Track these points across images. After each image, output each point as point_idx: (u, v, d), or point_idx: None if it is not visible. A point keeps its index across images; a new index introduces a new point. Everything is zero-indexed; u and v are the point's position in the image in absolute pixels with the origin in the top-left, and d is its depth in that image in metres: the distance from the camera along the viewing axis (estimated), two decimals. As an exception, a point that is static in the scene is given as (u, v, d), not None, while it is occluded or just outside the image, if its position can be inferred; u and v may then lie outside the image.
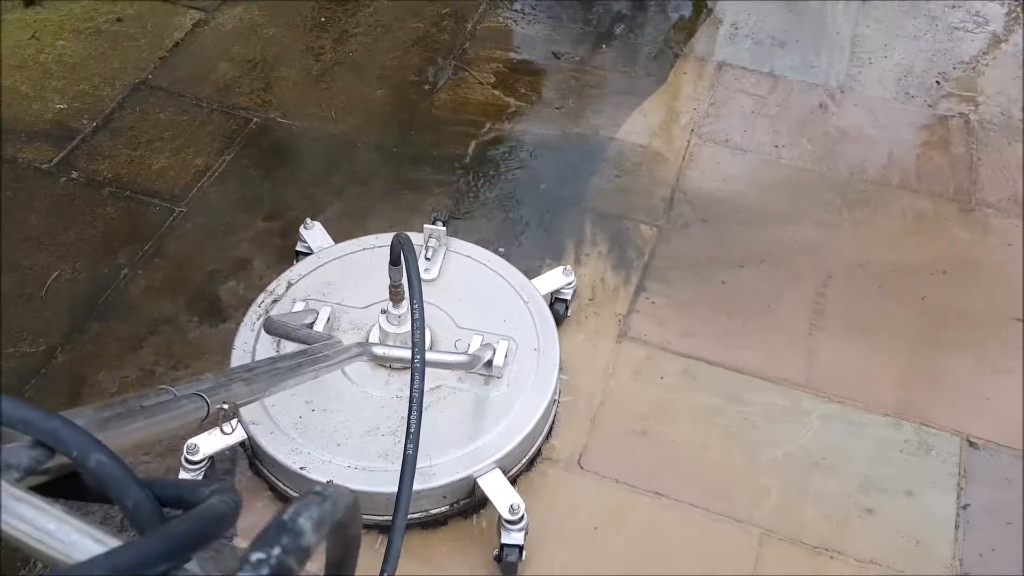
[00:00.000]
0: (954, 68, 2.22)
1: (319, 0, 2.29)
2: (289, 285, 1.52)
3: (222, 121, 1.99)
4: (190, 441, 1.30)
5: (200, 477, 1.31)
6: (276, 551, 0.37)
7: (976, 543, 1.37)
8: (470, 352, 1.36)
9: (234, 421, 0.77)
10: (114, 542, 0.45)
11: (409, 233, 1.31)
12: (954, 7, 2.39)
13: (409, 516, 1.33)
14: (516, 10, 2.30)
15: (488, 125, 2.00)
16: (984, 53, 2.29)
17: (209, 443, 1.31)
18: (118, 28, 2.20)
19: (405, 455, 1.04)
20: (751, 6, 2.34)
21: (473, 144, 1.96)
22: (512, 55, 2.18)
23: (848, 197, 1.89)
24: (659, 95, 2.09)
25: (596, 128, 2.00)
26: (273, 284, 1.53)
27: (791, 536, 1.37)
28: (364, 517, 1.33)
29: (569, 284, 1.57)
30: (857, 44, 2.26)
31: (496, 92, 2.08)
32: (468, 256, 1.58)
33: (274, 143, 1.96)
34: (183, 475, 1.29)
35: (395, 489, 1.22)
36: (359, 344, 1.18)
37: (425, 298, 1.47)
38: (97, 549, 0.45)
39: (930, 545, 1.37)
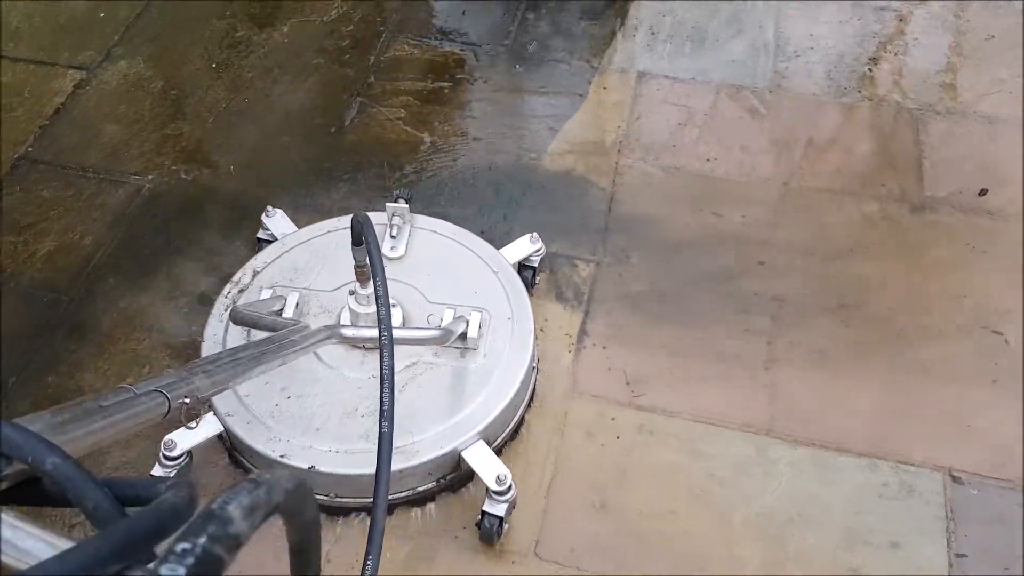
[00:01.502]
0: (885, 51, 2.07)
1: (208, 45, 2.12)
2: (255, 273, 1.50)
3: (111, 191, 1.80)
4: (166, 437, 1.29)
5: (174, 473, 1.30)
6: (202, 540, 0.36)
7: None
8: (442, 326, 1.35)
9: (199, 416, 0.76)
10: (68, 544, 0.44)
11: (371, 213, 1.30)
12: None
13: (396, 495, 1.34)
14: (421, 36, 2.14)
15: (403, 166, 1.84)
16: (915, 30, 2.14)
17: (186, 438, 1.29)
18: (-10, 100, 1.98)
19: (381, 433, 1.03)
20: (666, 6, 2.19)
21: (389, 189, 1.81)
22: (421, 85, 2.01)
23: (790, 209, 1.75)
24: (581, 114, 1.94)
25: (518, 156, 1.85)
26: (238, 274, 1.50)
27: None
28: (352, 499, 1.34)
29: (537, 251, 1.56)
30: (781, 37, 2.11)
31: (409, 128, 1.91)
32: (434, 231, 1.56)
33: (169, 209, 1.78)
34: (160, 472, 1.27)
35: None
36: (327, 327, 1.17)
37: (394, 276, 1.47)
38: (50, 553, 0.44)
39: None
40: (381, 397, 1.05)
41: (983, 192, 1.76)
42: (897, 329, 1.56)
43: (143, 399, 0.70)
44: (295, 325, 1.15)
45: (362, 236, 1.18)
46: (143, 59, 2.10)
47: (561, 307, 1.60)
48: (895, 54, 2.07)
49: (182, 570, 0.35)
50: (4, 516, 0.46)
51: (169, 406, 0.73)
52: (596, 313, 1.59)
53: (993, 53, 2.06)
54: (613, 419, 1.44)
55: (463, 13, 2.19)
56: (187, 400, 0.74)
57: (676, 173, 1.82)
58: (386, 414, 1.04)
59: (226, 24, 2.19)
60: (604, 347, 1.54)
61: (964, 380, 1.48)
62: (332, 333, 1.15)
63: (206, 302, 1.57)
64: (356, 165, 1.86)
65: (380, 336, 1.07)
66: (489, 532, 1.27)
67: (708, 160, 1.84)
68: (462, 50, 2.11)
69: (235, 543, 0.37)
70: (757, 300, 1.60)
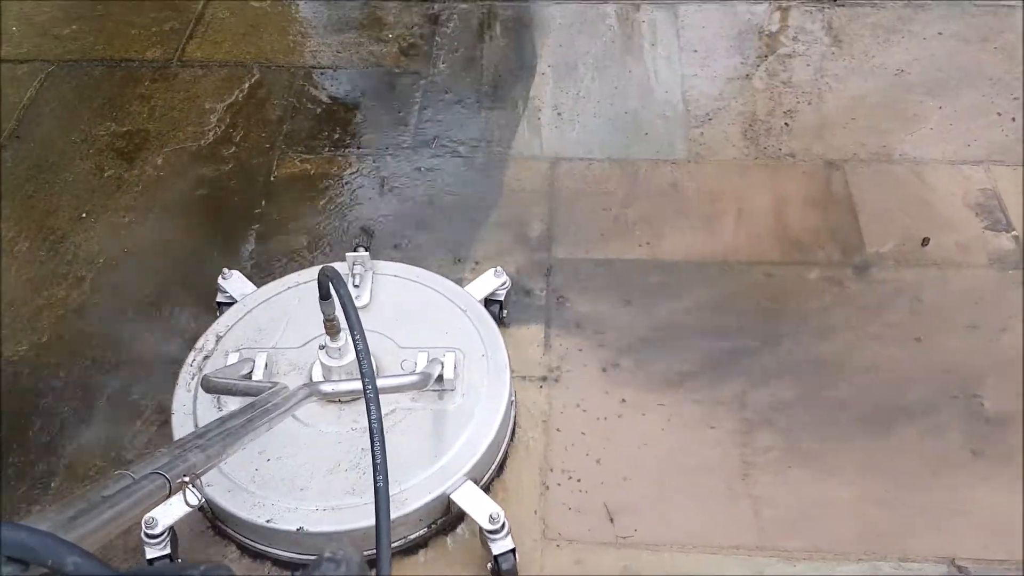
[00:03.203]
0: (799, 102, 1.99)
1: (75, 192, 1.87)
2: (218, 338, 1.47)
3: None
4: (145, 516, 1.24)
5: (163, 549, 1.25)
6: None
7: None
8: (419, 371, 1.34)
9: (196, 491, 0.74)
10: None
11: (334, 263, 1.29)
12: (774, 30, 2.17)
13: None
14: (312, 148, 1.97)
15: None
16: (825, 75, 2.06)
17: (166, 513, 1.25)
18: None
19: (376, 488, 1.01)
20: (566, 83, 2.08)
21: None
22: (322, 203, 1.84)
23: (730, 289, 1.65)
24: (499, 215, 1.80)
25: (439, 267, 1.66)
26: (201, 340, 1.47)
27: None
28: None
29: (503, 284, 1.57)
30: (689, 98, 2.02)
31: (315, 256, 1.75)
32: (396, 276, 1.55)
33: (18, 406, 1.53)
34: (147, 551, 1.23)
35: (369, 523, 1.19)
36: (306, 385, 1.15)
37: (368, 326, 1.45)
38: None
39: None
40: (373, 451, 1.03)
41: (926, 241, 1.70)
42: (866, 409, 1.47)
43: (143, 483, 0.68)
44: (273, 387, 1.13)
45: (329, 289, 1.17)
46: (3, 218, 1.85)
47: (519, 442, 1.46)
48: (808, 103, 2.00)
49: None
50: None
51: (170, 487, 0.70)
52: (555, 447, 1.44)
53: (905, 91, 2.03)
54: (593, 567, 1.32)
55: (357, 114, 2.03)
56: (186, 479, 0.72)
57: (609, 267, 1.70)
58: (380, 467, 1.02)
59: (91, 164, 1.96)
60: (578, 480, 1.41)
61: (945, 455, 1.41)
62: (312, 391, 1.13)
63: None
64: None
65: (365, 390, 1.05)
66: (512, 571, 1.26)
67: (640, 245, 1.73)
68: (359, 159, 1.94)
69: None
70: (718, 398, 1.49)
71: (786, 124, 1.94)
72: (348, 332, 1.14)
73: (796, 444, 1.44)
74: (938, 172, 1.85)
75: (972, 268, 1.68)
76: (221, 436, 0.85)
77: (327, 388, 1.19)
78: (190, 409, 1.38)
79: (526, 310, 1.65)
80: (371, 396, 1.05)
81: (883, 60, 2.11)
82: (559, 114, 2.01)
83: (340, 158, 1.96)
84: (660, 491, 1.40)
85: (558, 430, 1.47)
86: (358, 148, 1.98)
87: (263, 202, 1.87)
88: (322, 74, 2.18)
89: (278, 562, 1.33)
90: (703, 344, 1.58)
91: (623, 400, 1.50)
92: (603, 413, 1.49)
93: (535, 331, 1.61)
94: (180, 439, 0.81)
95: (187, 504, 0.78)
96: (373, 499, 1.00)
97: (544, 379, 1.54)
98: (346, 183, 1.91)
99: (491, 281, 1.56)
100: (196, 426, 1.36)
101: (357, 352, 1.08)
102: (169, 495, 0.70)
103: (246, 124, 2.05)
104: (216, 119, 2.06)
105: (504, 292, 1.58)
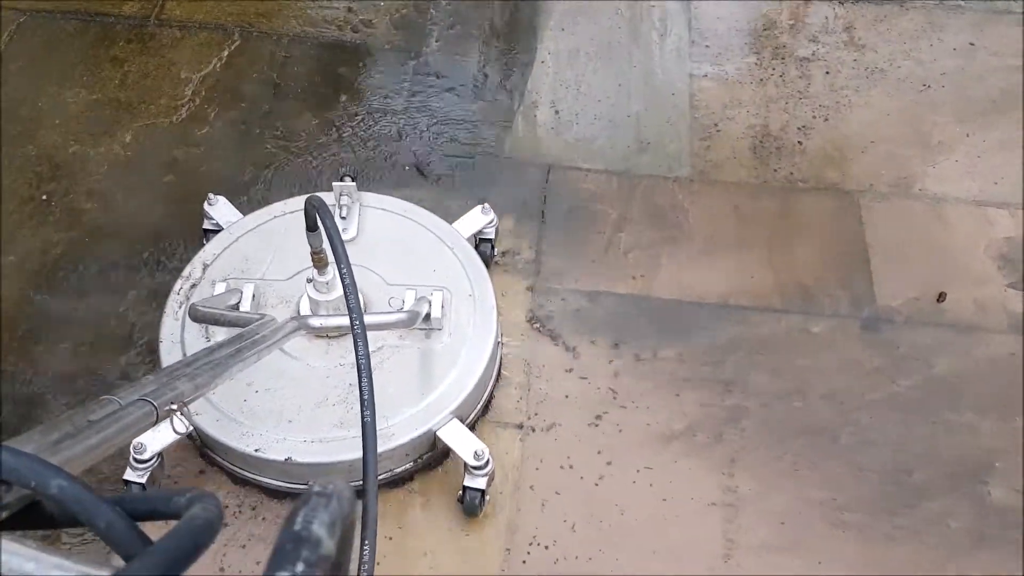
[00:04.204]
0: (814, 116, 1.81)
1: (33, 168, 1.73)
2: (205, 267, 1.46)
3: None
4: (135, 441, 1.25)
5: (148, 475, 1.26)
6: (299, 568, 0.35)
7: None
8: (407, 309, 1.34)
9: (184, 419, 0.74)
10: (102, 572, 0.43)
11: (320, 193, 1.27)
12: (794, 26, 1.95)
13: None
14: (289, 136, 1.79)
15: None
16: (845, 87, 1.87)
17: (155, 440, 1.26)
18: None
19: (364, 423, 1.02)
20: (567, 75, 1.88)
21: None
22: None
23: (727, 336, 1.52)
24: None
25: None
26: (188, 268, 1.46)
27: None
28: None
29: (491, 222, 1.56)
30: (697, 103, 1.84)
31: None
32: (385, 209, 1.54)
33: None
34: (130, 474, 1.24)
35: (356, 455, 1.22)
36: (294, 319, 1.15)
37: (356, 260, 1.45)
38: (87, 584, 0.43)
39: None
40: (360, 386, 1.04)
41: (942, 297, 1.56)
42: (865, 491, 1.36)
43: (130, 409, 0.68)
44: (261, 319, 1.13)
45: (316, 220, 1.15)
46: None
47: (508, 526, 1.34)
48: (824, 119, 1.82)
49: None
50: (24, 549, 0.45)
51: (157, 414, 0.71)
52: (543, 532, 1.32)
53: (930, 110, 1.83)
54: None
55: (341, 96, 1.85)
56: (174, 406, 0.72)
57: (598, 300, 1.56)
58: (367, 403, 1.03)
59: (57, 137, 1.79)
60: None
61: (950, 546, 1.31)
62: (300, 325, 1.13)
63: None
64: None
65: (352, 326, 1.05)
66: (472, 506, 1.28)
67: (634, 277, 1.59)
68: (339, 151, 1.78)
69: (328, 563, 0.36)
70: (702, 477, 1.37)
71: (799, 143, 1.78)
72: (335, 266, 1.14)
73: (785, 526, 1.32)
74: (960, 213, 1.68)
75: (990, 334, 1.53)
76: (210, 366, 0.85)
77: (315, 323, 1.19)
78: (178, 338, 1.38)
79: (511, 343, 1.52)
80: (359, 332, 1.06)
81: (909, 71, 1.91)
82: (557, 112, 1.84)
83: (316, 150, 1.78)
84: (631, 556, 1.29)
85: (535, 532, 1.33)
86: (339, 138, 1.80)
87: (243, 195, 1.69)
88: (305, 45, 1.97)
89: (266, 490, 1.35)
90: (693, 398, 1.45)
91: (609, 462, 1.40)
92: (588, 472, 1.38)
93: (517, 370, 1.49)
94: (168, 367, 0.81)
95: (175, 431, 0.79)
96: (360, 433, 1.02)
97: (520, 427, 1.43)
98: (319, 180, 1.74)
99: (479, 218, 1.55)
100: (184, 354, 1.36)
101: (344, 287, 1.08)
102: (156, 422, 0.70)
103: (222, 100, 1.87)
104: (191, 91, 1.88)
105: (492, 230, 1.57)
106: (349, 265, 1.09)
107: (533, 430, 1.43)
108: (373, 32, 2.00)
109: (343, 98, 1.88)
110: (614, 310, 1.56)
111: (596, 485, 1.38)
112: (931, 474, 1.38)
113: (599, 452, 1.40)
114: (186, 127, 1.82)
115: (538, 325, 1.54)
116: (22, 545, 0.45)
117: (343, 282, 1.08)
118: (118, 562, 0.43)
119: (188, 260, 1.49)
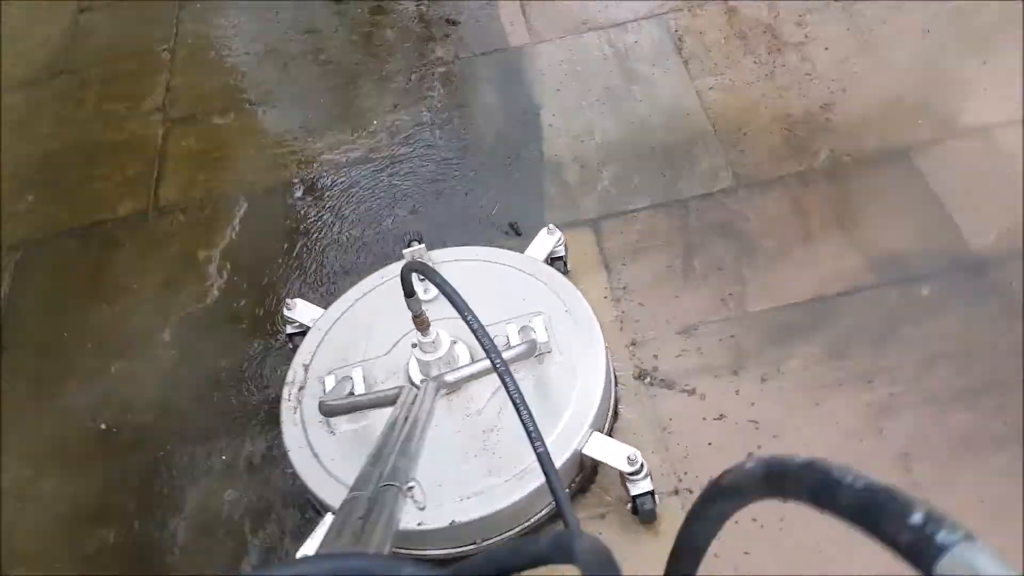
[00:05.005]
0: (831, 91, 1.77)
1: None
2: (306, 367, 1.47)
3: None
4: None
5: None
6: None
7: None
8: (522, 341, 1.35)
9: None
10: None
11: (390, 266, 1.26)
12: (777, 19, 1.91)
13: (536, 516, 1.34)
14: (322, 279, 1.75)
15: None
16: (848, 57, 1.82)
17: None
18: None
19: (538, 455, 1.02)
20: (578, 130, 1.83)
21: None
22: None
23: (838, 326, 1.44)
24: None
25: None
26: (290, 374, 1.47)
27: None
28: (498, 536, 1.32)
29: (559, 241, 1.58)
30: (714, 114, 1.82)
31: None
32: (455, 260, 1.56)
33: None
34: None
35: (517, 498, 1.23)
36: (432, 379, 1.16)
37: (441, 315, 1.46)
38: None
39: None
40: (522, 421, 1.05)
41: None
42: None
43: (383, 497, 0.69)
44: (398, 390, 1.13)
45: (413, 286, 1.18)
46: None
47: None
48: (843, 90, 1.78)
49: None
50: None
51: (399, 492, 0.71)
52: None
53: (939, 52, 1.78)
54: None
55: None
56: (411, 484, 0.73)
57: (695, 334, 1.49)
58: (533, 434, 1.04)
59: (92, 362, 1.69)
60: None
61: None
62: (440, 383, 1.14)
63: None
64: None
65: (494, 365, 1.06)
66: (648, 512, 1.28)
67: (722, 300, 1.52)
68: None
69: None
70: (886, 472, 1.27)
71: (827, 119, 1.74)
72: (435, 326, 1.15)
73: (984, 503, 1.22)
74: (1010, 135, 1.64)
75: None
76: (402, 447, 0.86)
77: (450, 377, 1.20)
78: (303, 441, 1.38)
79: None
80: (503, 369, 1.07)
81: (904, 22, 1.88)
82: (582, 167, 1.79)
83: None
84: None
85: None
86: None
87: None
88: (313, 189, 1.90)
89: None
90: (837, 402, 1.38)
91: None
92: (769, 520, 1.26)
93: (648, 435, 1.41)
94: (369, 455, 0.81)
95: (417, 507, 0.79)
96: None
97: (676, 493, 1.34)
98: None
99: (547, 240, 1.57)
100: (315, 456, 1.36)
101: (475, 331, 1.09)
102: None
103: (247, 264, 1.80)
104: (215, 269, 1.82)
105: (562, 248, 1.59)
106: (471, 309, 1.10)
107: (690, 492, 1.34)
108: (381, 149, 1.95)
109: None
110: (717, 338, 1.50)
111: (780, 530, 1.27)
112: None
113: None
114: (220, 305, 1.75)
115: (648, 379, 1.48)
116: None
117: (471, 326, 1.09)
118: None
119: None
